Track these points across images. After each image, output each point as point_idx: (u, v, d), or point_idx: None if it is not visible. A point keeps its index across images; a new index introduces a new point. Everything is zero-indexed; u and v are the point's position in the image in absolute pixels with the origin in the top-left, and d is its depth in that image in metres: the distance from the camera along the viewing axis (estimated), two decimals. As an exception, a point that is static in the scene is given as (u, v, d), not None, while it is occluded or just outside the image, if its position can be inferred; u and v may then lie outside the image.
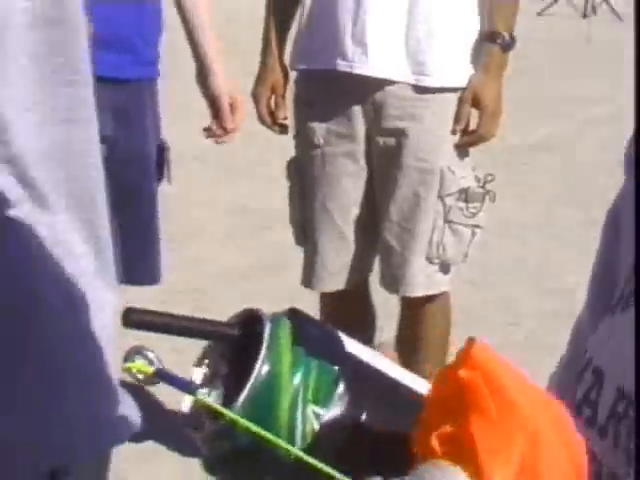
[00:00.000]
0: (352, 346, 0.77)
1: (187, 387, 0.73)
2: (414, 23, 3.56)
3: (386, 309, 4.08)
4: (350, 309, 3.90)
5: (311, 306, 4.04)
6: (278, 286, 5.04)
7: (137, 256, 3.55)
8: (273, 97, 3.90)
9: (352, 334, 3.14)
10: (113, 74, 3.44)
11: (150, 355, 0.74)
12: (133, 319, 0.75)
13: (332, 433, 0.72)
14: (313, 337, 0.74)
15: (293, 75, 3.87)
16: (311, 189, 3.78)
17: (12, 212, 1.31)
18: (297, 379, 0.72)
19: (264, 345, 0.72)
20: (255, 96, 3.89)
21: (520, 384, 0.64)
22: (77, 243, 1.38)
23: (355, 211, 3.76)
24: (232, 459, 0.73)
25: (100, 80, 3.39)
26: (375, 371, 0.76)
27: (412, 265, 3.67)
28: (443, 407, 0.66)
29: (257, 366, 0.71)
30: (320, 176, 3.74)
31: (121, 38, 3.53)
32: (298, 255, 3.95)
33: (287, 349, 0.72)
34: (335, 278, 3.81)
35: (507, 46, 3.69)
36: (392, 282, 3.74)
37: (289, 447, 0.70)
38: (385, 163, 3.68)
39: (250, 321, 0.75)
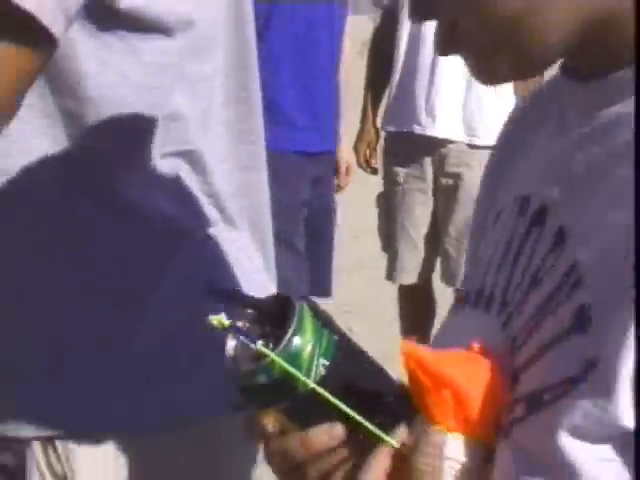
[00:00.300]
0: (340, 327, 0.77)
1: (249, 337, 0.73)
2: (469, 102, 3.55)
3: (442, 299, 4.05)
4: (419, 297, 3.90)
5: (392, 294, 4.04)
6: (369, 279, 5.03)
7: (321, 277, 3.49)
8: (368, 150, 3.90)
9: (421, 316, 3.10)
10: (312, 149, 3.26)
11: (223, 314, 0.74)
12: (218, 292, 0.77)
13: (333, 379, 0.72)
14: (322, 316, 0.75)
15: (383, 134, 3.86)
16: (393, 213, 3.77)
17: (211, 230, 1.29)
18: (314, 339, 0.73)
19: (296, 315, 0.73)
20: (355, 149, 3.90)
21: (440, 358, 0.66)
22: (253, 251, 1.36)
23: (424, 229, 3.75)
24: (263, 390, 0.73)
25: (302, 154, 3.20)
26: (357, 347, 0.77)
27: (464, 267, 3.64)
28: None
29: (292, 328, 0.72)
30: (400, 204, 3.73)
31: (320, 118, 3.26)
32: (383, 258, 3.94)
33: (309, 319, 0.74)
34: (409, 274, 3.79)
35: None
36: (450, 278, 3.71)
37: (309, 382, 0.71)
38: (446, 197, 3.66)
39: (280, 301, 0.76)
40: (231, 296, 0.78)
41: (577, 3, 0.61)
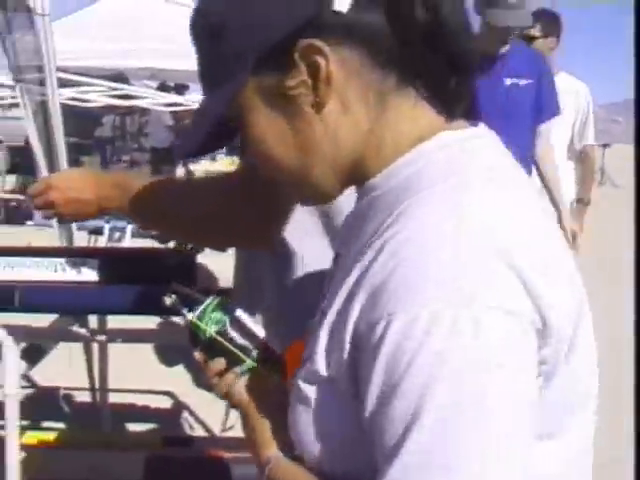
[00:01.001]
0: (240, 313, 1.17)
1: (184, 309, 1.17)
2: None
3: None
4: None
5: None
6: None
7: None
8: None
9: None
10: None
11: (173, 296, 1.17)
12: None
13: (221, 337, 1.15)
14: (226, 307, 1.16)
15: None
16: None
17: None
18: (212, 316, 1.15)
19: (205, 303, 1.16)
20: None
21: (292, 353, 1.12)
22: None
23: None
24: (190, 338, 1.16)
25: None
26: (244, 324, 1.17)
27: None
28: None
29: (200, 308, 1.15)
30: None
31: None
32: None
33: (212, 306, 1.15)
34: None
35: (586, 205, 4.29)
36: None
37: (207, 332, 1.15)
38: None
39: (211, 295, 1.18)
40: (188, 293, 1.22)
41: (336, 156, 0.97)
